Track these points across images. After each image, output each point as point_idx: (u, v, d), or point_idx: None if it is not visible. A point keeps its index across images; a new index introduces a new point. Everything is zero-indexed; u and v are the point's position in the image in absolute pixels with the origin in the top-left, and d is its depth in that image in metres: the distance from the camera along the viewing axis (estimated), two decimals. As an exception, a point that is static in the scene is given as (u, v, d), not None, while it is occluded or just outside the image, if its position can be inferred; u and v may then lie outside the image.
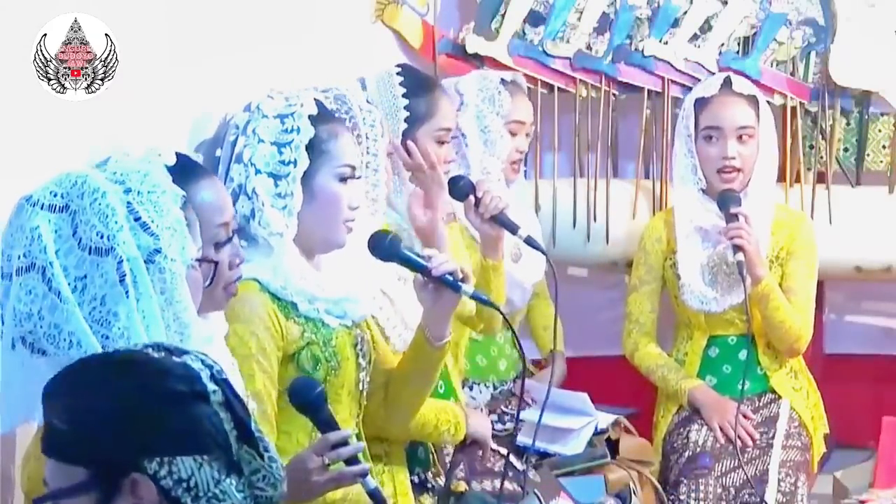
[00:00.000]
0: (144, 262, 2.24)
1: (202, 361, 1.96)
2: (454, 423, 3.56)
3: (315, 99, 3.13)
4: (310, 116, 3.08)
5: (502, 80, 4.33)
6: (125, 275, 2.22)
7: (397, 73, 3.76)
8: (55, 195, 2.26)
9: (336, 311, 3.13)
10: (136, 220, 2.26)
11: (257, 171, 3.05)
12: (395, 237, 3.19)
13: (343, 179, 3.13)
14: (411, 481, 3.60)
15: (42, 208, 2.25)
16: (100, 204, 2.24)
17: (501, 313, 3.40)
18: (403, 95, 3.73)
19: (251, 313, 2.99)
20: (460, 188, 3.81)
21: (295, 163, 3.06)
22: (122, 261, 2.22)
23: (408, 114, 3.70)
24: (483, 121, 4.21)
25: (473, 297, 3.19)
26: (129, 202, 2.27)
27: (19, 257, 2.25)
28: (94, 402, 1.90)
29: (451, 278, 3.14)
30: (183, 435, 1.90)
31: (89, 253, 2.23)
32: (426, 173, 3.70)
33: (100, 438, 1.89)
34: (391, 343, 3.46)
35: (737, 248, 4.25)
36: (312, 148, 3.07)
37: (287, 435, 3.08)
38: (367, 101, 3.46)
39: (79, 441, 1.90)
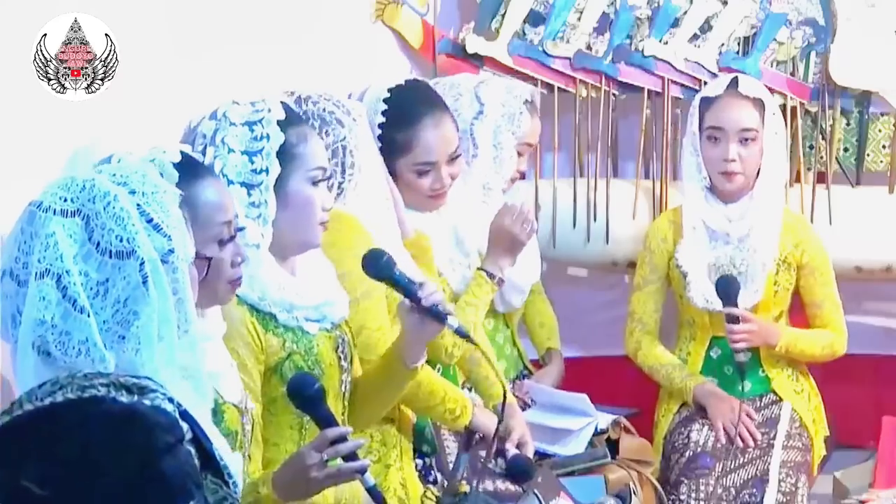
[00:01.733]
0: (161, 262, 2.25)
1: (167, 398, 1.93)
2: (461, 406, 3.55)
3: (281, 102, 3.09)
4: (278, 121, 3.04)
5: (525, 100, 4.30)
6: (147, 276, 2.22)
7: (384, 100, 3.76)
8: (65, 200, 2.26)
9: (315, 316, 3.12)
10: (149, 221, 2.26)
11: (229, 182, 3.00)
12: (391, 258, 3.18)
13: (315, 182, 3.11)
14: (415, 465, 3.62)
15: (55, 213, 2.25)
16: (114, 207, 2.24)
17: (483, 352, 3.40)
18: (380, 126, 3.73)
19: (230, 328, 2.96)
20: None
21: (267, 171, 3.02)
22: (143, 262, 2.23)
23: (380, 145, 3.71)
24: (498, 136, 4.19)
25: (457, 331, 3.17)
26: (138, 204, 2.27)
27: (35, 263, 2.25)
28: (82, 465, 1.85)
29: (438, 309, 3.14)
30: (176, 486, 1.87)
31: (110, 257, 2.23)
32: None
33: None
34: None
35: (736, 350, 4.27)
36: (283, 153, 3.04)
37: (276, 447, 3.09)
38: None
39: None
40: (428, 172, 3.79)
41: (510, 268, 4.01)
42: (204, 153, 3.03)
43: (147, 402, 1.90)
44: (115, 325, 2.22)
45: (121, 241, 2.23)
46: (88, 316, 2.21)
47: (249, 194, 3.02)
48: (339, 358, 3.18)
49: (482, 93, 4.20)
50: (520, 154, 4.31)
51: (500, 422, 3.28)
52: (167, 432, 1.88)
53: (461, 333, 3.18)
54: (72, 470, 1.85)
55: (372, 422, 3.39)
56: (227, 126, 3.03)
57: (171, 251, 2.27)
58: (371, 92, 3.81)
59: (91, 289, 2.22)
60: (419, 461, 3.70)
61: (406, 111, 3.76)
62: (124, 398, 1.90)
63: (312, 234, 3.12)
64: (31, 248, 2.25)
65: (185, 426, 1.91)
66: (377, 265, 3.17)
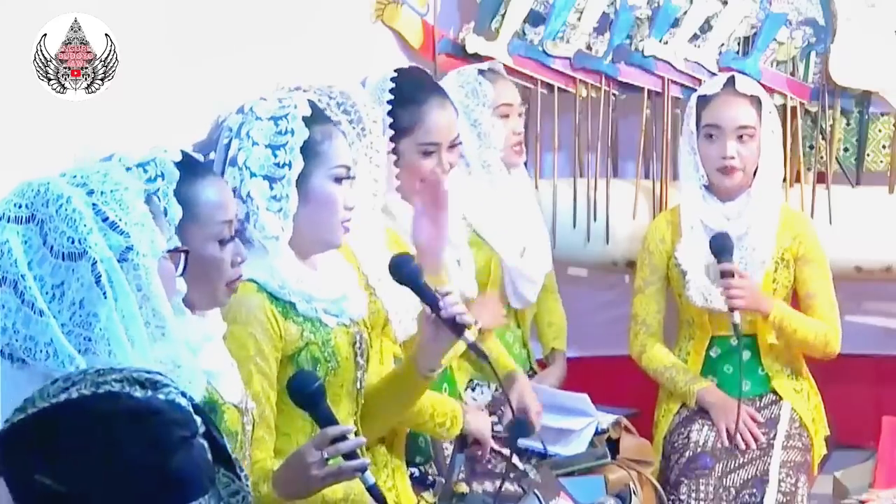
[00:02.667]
0: (118, 261, 2.24)
1: (180, 392, 1.93)
2: (451, 417, 3.55)
3: (308, 100, 3.12)
4: (303, 118, 3.06)
5: (479, 70, 4.32)
6: (101, 276, 2.21)
7: (391, 79, 3.76)
8: (19, 206, 2.25)
9: (334, 310, 3.13)
10: (104, 220, 2.25)
11: (252, 175, 3.03)
12: (418, 266, 3.20)
13: (338, 180, 3.12)
14: (411, 474, 3.61)
15: (9, 221, 2.24)
16: (66, 209, 2.23)
17: (493, 369, 3.39)
18: (389, 102, 3.73)
19: (249, 315, 2.99)
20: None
21: (290, 165, 3.03)
22: (95, 262, 2.21)
23: (391, 120, 3.71)
24: (471, 115, 4.21)
25: (471, 345, 3.19)
26: (94, 203, 2.25)
27: None
28: (101, 461, 1.85)
29: (456, 320, 3.15)
30: (191, 481, 1.87)
31: (63, 259, 2.22)
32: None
33: (117, 502, 1.85)
34: (393, 330, 3.48)
35: (732, 307, 4.25)
36: (307, 149, 3.05)
37: (287, 437, 3.08)
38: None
39: None
40: (432, 154, 3.77)
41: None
42: (229, 146, 3.06)
43: (161, 396, 1.90)
44: (76, 328, 2.21)
45: (72, 242, 2.22)
46: (49, 318, 2.20)
47: (272, 187, 3.04)
48: (356, 354, 3.18)
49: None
50: (506, 116, 4.32)
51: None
52: (182, 427, 1.88)
53: (475, 349, 3.20)
54: (87, 466, 1.85)
55: (384, 428, 3.39)
56: (253, 120, 3.05)
57: (130, 248, 2.25)
58: (375, 75, 3.81)
59: (47, 293, 2.21)
60: (415, 469, 3.70)
61: (414, 91, 3.77)
62: (139, 393, 1.90)
63: (334, 232, 3.13)
64: None
65: (198, 420, 1.91)
66: (405, 270, 3.19)
